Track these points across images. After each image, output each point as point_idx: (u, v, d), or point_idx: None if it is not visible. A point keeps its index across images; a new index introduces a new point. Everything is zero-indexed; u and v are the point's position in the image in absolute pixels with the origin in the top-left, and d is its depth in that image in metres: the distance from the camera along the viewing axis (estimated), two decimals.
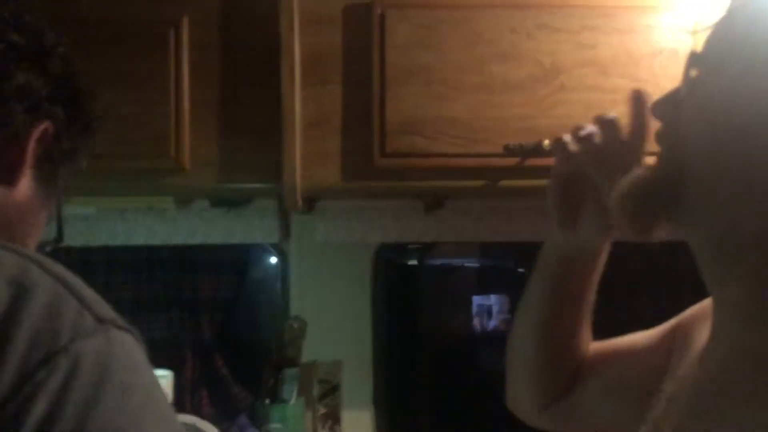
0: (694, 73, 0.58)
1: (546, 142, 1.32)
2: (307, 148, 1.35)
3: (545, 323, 0.81)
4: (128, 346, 0.52)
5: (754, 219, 0.53)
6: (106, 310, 0.53)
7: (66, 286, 0.51)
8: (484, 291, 2.93)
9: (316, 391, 1.72)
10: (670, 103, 0.60)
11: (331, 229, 1.63)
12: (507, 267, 3.05)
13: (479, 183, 1.35)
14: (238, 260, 1.77)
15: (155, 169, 1.37)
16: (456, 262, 2.82)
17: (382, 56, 1.33)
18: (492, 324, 3.12)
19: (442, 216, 1.58)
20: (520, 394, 0.86)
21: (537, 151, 1.32)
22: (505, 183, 1.35)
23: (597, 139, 0.70)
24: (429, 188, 1.36)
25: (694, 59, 0.59)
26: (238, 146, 1.38)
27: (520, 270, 3.04)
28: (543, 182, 1.37)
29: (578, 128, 0.72)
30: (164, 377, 1.48)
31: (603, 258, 0.78)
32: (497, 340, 2.95)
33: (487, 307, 2.97)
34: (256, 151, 1.37)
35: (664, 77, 1.35)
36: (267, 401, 1.63)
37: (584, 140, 0.72)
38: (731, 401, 0.53)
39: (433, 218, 1.59)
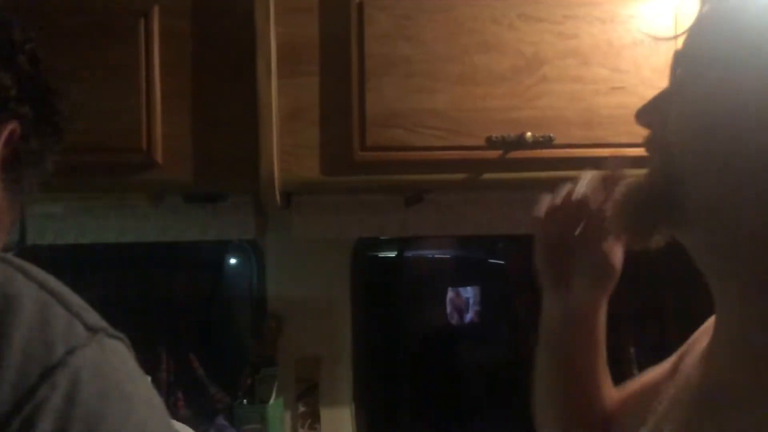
0: (678, 73, 0.57)
1: (528, 134, 1.31)
2: (285, 141, 1.31)
3: (561, 388, 0.80)
4: (122, 354, 0.51)
5: (750, 218, 0.52)
6: (95, 317, 0.51)
7: (52, 294, 0.49)
8: (461, 283, 2.92)
9: (294, 389, 1.69)
10: (656, 108, 0.59)
11: (308, 224, 1.59)
12: (480, 258, 3.04)
13: (461, 176, 1.33)
14: (213, 257, 1.72)
15: (126, 164, 1.32)
16: (434, 253, 2.80)
17: (360, 46, 1.30)
18: (468, 317, 3.11)
19: (422, 210, 1.55)
20: None
21: (520, 143, 1.30)
22: (487, 176, 1.33)
23: (564, 211, 0.72)
24: (411, 182, 1.34)
25: (677, 59, 0.58)
26: (212, 140, 1.33)
27: (493, 261, 3.04)
28: (526, 175, 1.37)
29: (549, 208, 0.73)
30: None
31: (603, 313, 0.78)
32: (474, 332, 2.95)
33: (465, 300, 2.96)
34: (231, 144, 1.33)
35: (646, 67, 1.34)
36: (245, 401, 1.60)
37: (554, 214, 0.73)
38: (733, 400, 0.52)
39: (413, 212, 1.56)
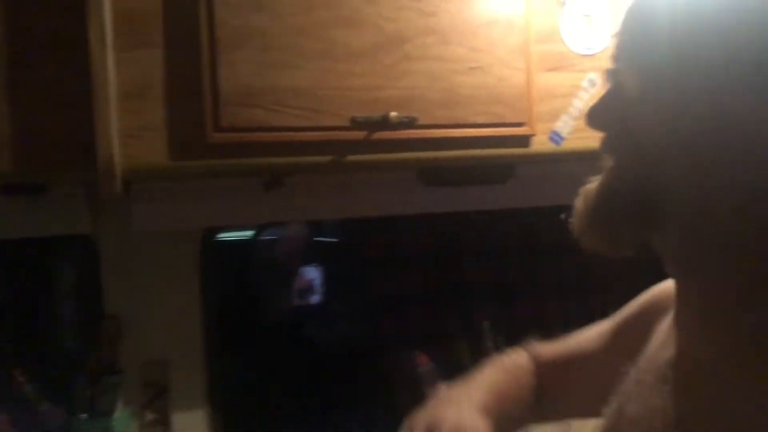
0: (631, 78, 0.55)
1: (393, 114, 1.26)
2: (126, 123, 1.16)
3: None
4: None
5: (727, 220, 0.52)
6: None
7: None
8: (304, 263, 2.85)
9: (141, 396, 1.54)
10: (607, 110, 0.56)
11: (150, 215, 1.44)
12: (316, 237, 2.99)
13: (325, 158, 1.26)
14: (39, 256, 1.51)
15: None
16: (279, 237, 2.70)
17: (210, 15, 1.18)
18: (315, 298, 3.06)
19: (281, 194, 1.46)
20: None
21: (385, 123, 1.26)
22: (351, 158, 1.27)
23: None
24: (271, 165, 1.24)
25: (620, 57, 0.56)
26: (36, 123, 1.15)
27: (333, 240, 3.01)
28: (390, 156, 1.33)
29: None
30: None
31: None
32: (324, 313, 2.90)
33: (309, 281, 2.90)
34: (60, 127, 1.15)
35: (501, 46, 1.35)
36: (85, 416, 1.43)
37: None
38: (696, 384, 0.54)
39: (271, 198, 1.46)
